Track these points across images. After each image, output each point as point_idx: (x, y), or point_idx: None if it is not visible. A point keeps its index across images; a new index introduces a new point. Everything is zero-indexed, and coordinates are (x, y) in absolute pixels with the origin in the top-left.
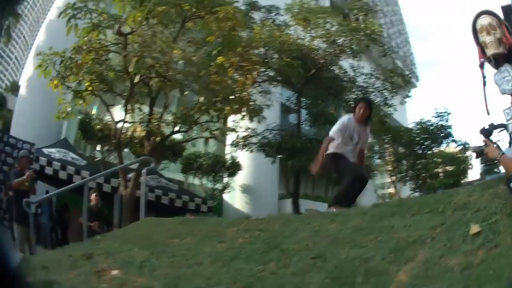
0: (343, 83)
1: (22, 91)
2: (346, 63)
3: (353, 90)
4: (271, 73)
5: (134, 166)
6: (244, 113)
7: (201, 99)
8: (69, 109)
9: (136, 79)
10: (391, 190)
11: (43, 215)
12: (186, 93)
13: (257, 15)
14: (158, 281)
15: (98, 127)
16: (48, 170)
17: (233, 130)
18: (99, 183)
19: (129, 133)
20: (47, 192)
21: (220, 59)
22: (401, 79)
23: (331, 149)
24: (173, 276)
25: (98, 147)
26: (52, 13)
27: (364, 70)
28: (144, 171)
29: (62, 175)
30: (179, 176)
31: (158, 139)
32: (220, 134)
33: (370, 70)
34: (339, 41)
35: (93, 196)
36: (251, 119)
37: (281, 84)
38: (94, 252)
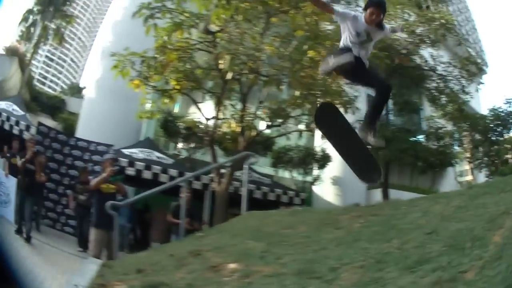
0: (424, 72)
1: (90, 92)
2: (426, 52)
3: (433, 78)
4: None
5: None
6: (339, 105)
7: (296, 93)
8: (154, 108)
9: (229, 76)
10: (469, 177)
11: (122, 216)
12: (282, 87)
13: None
14: (288, 267)
15: (185, 125)
16: (130, 171)
17: None
18: (189, 180)
19: (222, 130)
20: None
21: (311, 53)
22: (475, 67)
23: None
24: (302, 261)
25: (180, 145)
26: (118, 13)
27: (442, 59)
28: (246, 166)
29: (147, 175)
30: (269, 170)
31: (253, 134)
32: (314, 127)
33: (448, 59)
34: (417, 31)
35: (184, 193)
36: (345, 111)
37: None
38: (201, 249)
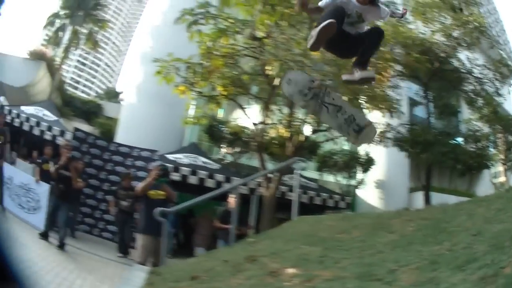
0: (461, 74)
1: (129, 97)
2: (462, 55)
3: (470, 81)
4: (398, 68)
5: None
6: (384, 109)
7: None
8: (200, 114)
9: (276, 81)
10: (503, 178)
11: (166, 222)
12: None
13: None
14: (348, 271)
15: (230, 130)
16: (175, 176)
17: None
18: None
19: (269, 135)
20: None
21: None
22: (507, 69)
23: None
24: (360, 265)
25: (225, 150)
26: (155, 18)
27: (478, 62)
28: (297, 172)
29: (193, 180)
30: (314, 174)
31: (301, 139)
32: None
33: (483, 62)
34: (454, 34)
35: (232, 199)
36: (391, 115)
37: (408, 78)
38: (256, 254)
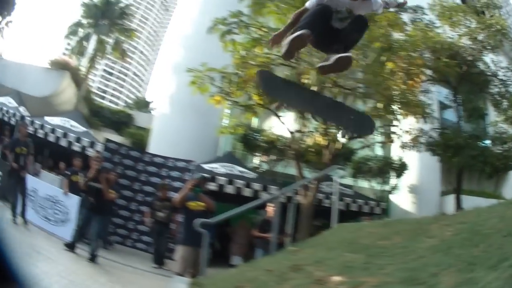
0: (487, 77)
1: (162, 107)
2: (487, 58)
3: (495, 83)
4: (428, 72)
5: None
6: (417, 115)
7: (379, 104)
8: (236, 123)
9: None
10: None
11: None
12: (368, 100)
13: (403, 16)
14: (393, 277)
15: (266, 138)
16: (212, 186)
17: (407, 132)
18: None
19: (306, 143)
20: None
21: (390, 64)
22: None
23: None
24: (404, 270)
25: (260, 159)
26: (185, 27)
27: (502, 64)
28: (336, 179)
29: (230, 189)
30: (348, 180)
31: (337, 146)
32: (396, 137)
33: (506, 64)
34: (479, 37)
35: (270, 207)
36: (425, 120)
37: (438, 82)
38: (300, 263)
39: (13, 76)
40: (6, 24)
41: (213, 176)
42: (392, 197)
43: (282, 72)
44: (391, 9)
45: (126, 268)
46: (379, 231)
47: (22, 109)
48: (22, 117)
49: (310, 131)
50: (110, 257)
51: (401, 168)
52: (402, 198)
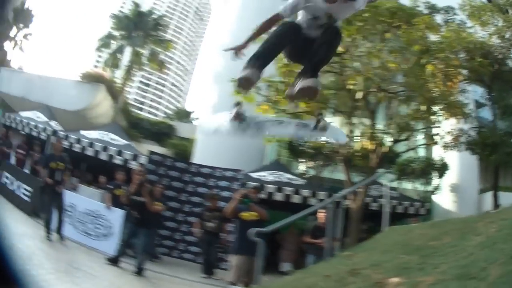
0: None
1: (204, 117)
2: None
3: None
4: (464, 72)
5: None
6: (458, 115)
7: (422, 107)
8: None
9: (359, 95)
10: None
11: None
12: (412, 103)
13: (436, 18)
14: (447, 275)
15: (313, 144)
16: (262, 194)
17: (449, 132)
18: (322, 200)
19: (353, 148)
20: None
21: (430, 67)
22: None
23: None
24: (457, 267)
25: (306, 165)
26: (225, 37)
27: None
28: (387, 183)
29: (279, 197)
30: (392, 183)
31: (384, 150)
32: (439, 138)
33: None
34: (506, 35)
35: (321, 214)
36: (465, 120)
37: (473, 82)
38: (357, 267)
39: (39, 90)
40: (25, 37)
41: (262, 185)
42: (434, 197)
43: (327, 78)
44: (424, 11)
45: (174, 279)
46: (429, 232)
47: (53, 123)
48: (55, 132)
49: (357, 136)
50: (157, 269)
51: (442, 168)
52: (444, 198)
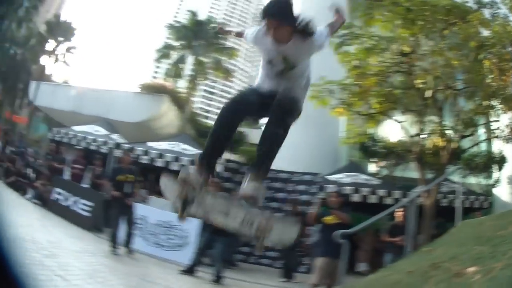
0: None
1: None
2: None
3: None
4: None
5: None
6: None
7: (485, 102)
8: (358, 132)
9: (428, 93)
10: None
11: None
12: (474, 98)
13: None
14: None
15: (386, 144)
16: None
17: (507, 126)
18: (397, 198)
19: (425, 145)
20: None
21: (486, 62)
22: None
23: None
24: None
25: (380, 164)
26: None
27: None
28: (459, 181)
29: (356, 198)
30: (458, 178)
31: (454, 146)
32: (500, 132)
33: None
34: None
35: (399, 212)
36: None
37: None
38: (437, 261)
39: (93, 103)
40: (68, 50)
41: (339, 187)
42: (494, 190)
43: (396, 78)
44: (473, 6)
45: (254, 285)
46: (496, 223)
47: (115, 136)
48: (118, 145)
49: (429, 134)
50: (235, 276)
51: (501, 161)
52: (503, 190)
